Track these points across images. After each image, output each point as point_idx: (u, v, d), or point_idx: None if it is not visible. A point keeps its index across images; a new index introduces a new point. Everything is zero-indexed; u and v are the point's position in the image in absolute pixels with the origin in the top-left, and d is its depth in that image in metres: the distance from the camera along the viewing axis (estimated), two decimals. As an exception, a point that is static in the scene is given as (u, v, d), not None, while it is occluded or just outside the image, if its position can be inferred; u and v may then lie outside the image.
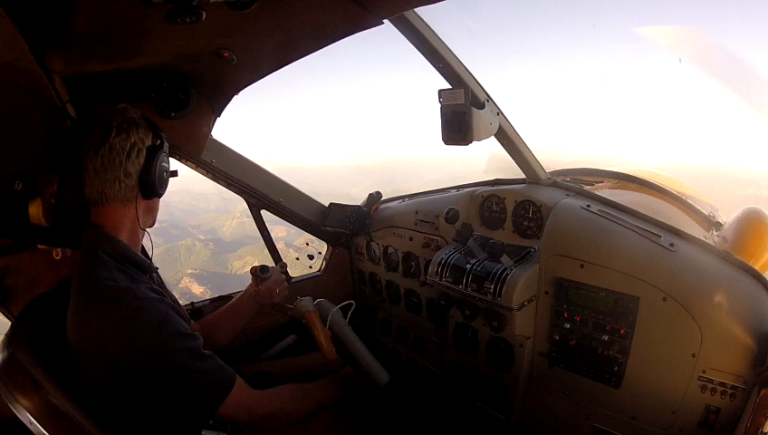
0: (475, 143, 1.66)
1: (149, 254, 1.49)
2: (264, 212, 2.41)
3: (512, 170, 1.99)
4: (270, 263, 1.89)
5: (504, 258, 1.79)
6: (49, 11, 0.96)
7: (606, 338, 1.62)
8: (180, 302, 1.72)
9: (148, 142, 1.23)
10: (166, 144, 1.28)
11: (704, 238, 1.76)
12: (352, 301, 1.71)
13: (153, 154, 1.23)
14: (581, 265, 1.67)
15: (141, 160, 1.22)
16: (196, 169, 2.08)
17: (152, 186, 1.25)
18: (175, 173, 1.36)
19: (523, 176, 2.01)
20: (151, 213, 1.34)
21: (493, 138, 1.75)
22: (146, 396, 1.15)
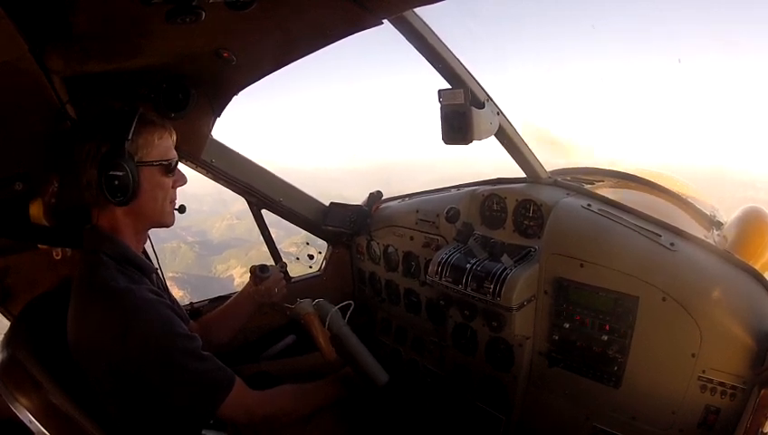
0: (472, 144, 1.66)
1: (153, 253, 1.50)
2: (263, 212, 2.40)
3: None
4: (260, 262, 1.87)
5: (505, 258, 1.78)
6: (49, 11, 0.96)
7: (605, 338, 1.62)
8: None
9: (104, 150, 1.18)
10: (125, 148, 1.18)
11: (704, 238, 1.75)
12: (351, 301, 1.71)
13: (103, 163, 1.17)
14: (581, 265, 1.67)
15: (94, 170, 1.18)
16: (195, 169, 2.08)
17: (107, 194, 1.18)
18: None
19: (524, 175, 2.01)
20: (140, 216, 1.28)
21: (493, 137, 1.75)
22: (145, 397, 1.15)
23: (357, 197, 2.65)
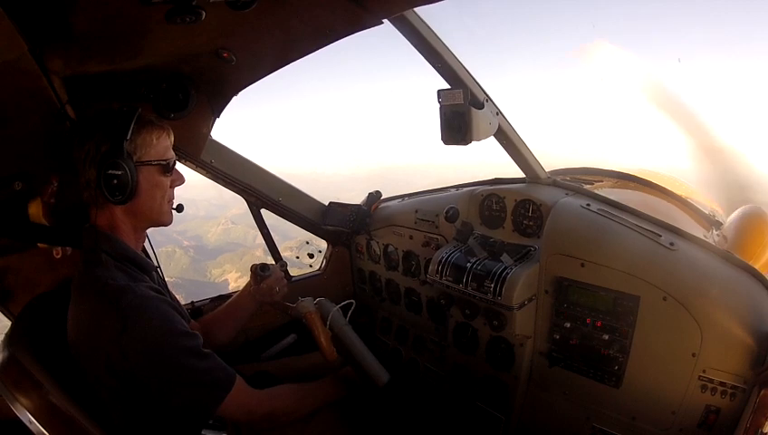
0: (471, 145, 1.66)
1: (152, 252, 1.50)
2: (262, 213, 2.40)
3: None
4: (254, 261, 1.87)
5: (505, 257, 1.78)
6: (49, 11, 0.96)
7: (606, 337, 1.62)
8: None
9: (104, 149, 1.19)
10: (124, 148, 1.19)
11: (704, 237, 1.75)
12: (353, 300, 1.71)
13: (102, 162, 1.18)
14: (582, 265, 1.67)
15: (93, 170, 1.19)
16: (195, 169, 2.08)
17: (105, 193, 1.19)
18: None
19: (523, 175, 2.01)
20: (138, 215, 1.29)
21: (492, 138, 1.75)
22: (145, 395, 1.15)
23: (355, 200, 2.65)
